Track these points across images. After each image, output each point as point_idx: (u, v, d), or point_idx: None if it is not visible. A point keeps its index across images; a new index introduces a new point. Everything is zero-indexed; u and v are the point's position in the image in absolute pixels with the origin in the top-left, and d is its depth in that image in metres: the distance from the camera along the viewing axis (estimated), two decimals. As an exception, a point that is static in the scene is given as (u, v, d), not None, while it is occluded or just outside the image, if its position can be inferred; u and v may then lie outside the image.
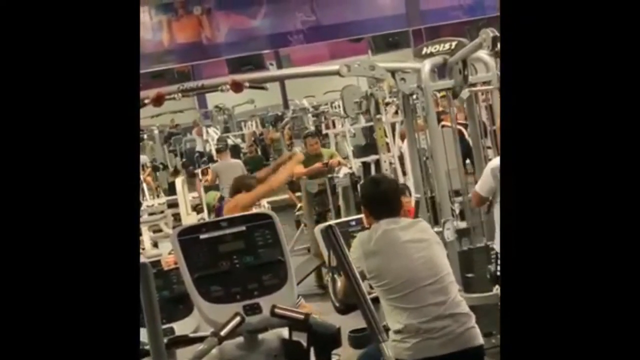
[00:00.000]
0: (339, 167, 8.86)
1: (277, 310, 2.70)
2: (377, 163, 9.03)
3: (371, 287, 3.48)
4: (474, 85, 5.38)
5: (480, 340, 3.49)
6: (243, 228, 2.83)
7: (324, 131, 12.20)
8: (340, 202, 8.31)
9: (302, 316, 2.73)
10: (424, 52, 5.54)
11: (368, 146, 10.97)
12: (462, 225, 5.61)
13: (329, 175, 8.63)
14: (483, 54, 5.24)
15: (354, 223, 4.17)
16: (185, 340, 3.03)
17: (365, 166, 9.83)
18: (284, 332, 2.86)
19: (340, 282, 3.54)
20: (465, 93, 5.19)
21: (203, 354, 2.62)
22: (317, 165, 8.69)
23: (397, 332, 3.42)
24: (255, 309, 2.73)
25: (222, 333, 2.63)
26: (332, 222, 4.48)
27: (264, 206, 12.19)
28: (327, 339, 2.80)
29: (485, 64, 5.46)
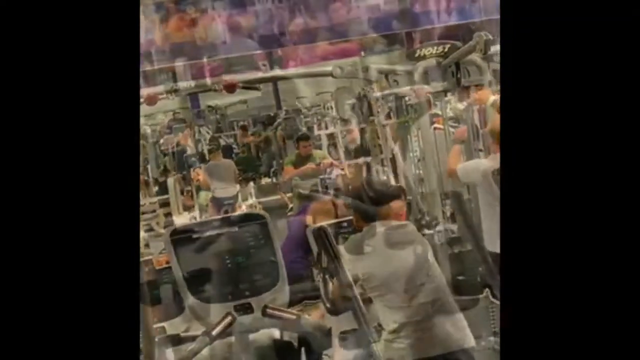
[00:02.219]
0: (331, 169, 8.86)
1: (268, 310, 2.70)
2: (369, 165, 9.02)
3: (363, 288, 3.49)
4: (467, 87, 5.39)
5: (472, 341, 3.50)
6: (235, 229, 2.84)
7: (316, 132, 12.16)
8: (332, 204, 8.30)
9: (293, 316, 2.74)
10: (417, 54, 5.54)
11: (360, 148, 10.93)
12: (453, 227, 5.61)
13: (321, 177, 8.62)
14: (476, 57, 5.26)
15: (345, 224, 4.17)
16: (177, 340, 3.02)
17: (358, 168, 9.81)
18: (275, 332, 2.86)
19: (331, 284, 3.54)
20: (463, 104, 5.22)
21: (194, 353, 2.62)
22: (309, 166, 8.69)
23: (391, 332, 3.42)
24: (246, 309, 2.73)
25: (214, 333, 2.63)
26: (323, 223, 4.48)
27: (255, 206, 12.18)
28: (318, 340, 2.80)
29: (478, 67, 5.48)
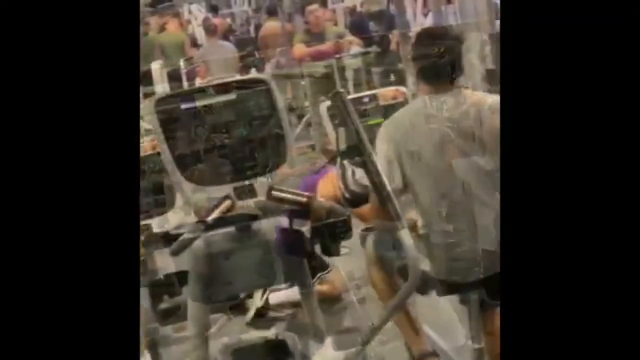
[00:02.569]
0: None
1: (274, 193, 2.41)
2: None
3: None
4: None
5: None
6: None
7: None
8: (327, 203, 8.30)
9: (304, 199, 2.45)
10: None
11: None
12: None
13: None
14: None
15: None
16: (167, 238, 2.67)
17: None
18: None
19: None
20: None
21: (185, 244, 2.25)
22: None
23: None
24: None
25: (209, 219, 2.34)
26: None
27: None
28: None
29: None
